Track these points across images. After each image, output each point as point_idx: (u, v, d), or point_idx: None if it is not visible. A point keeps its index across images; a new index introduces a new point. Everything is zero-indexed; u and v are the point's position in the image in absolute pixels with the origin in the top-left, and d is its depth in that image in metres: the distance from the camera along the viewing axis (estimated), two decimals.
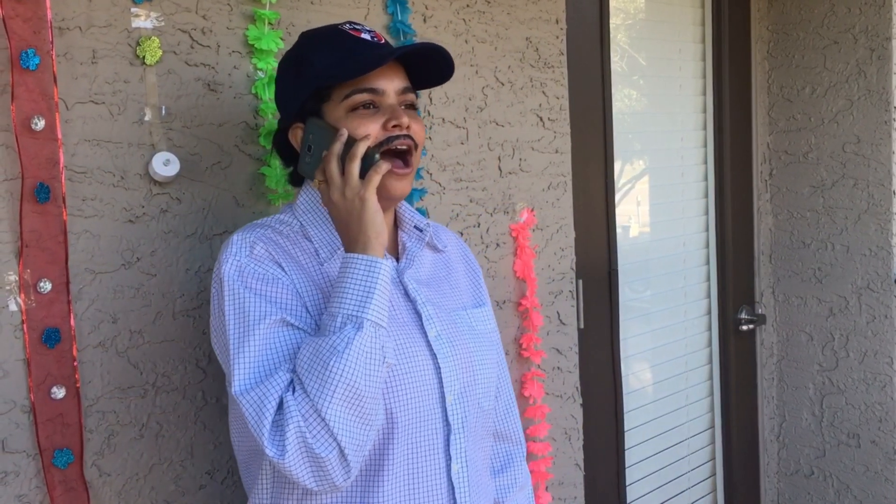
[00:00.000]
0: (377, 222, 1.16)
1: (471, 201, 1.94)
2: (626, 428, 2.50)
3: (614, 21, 2.45)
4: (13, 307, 1.31)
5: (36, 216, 1.32)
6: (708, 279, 2.85)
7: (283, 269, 1.19)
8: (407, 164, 1.25)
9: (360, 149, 1.18)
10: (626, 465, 2.52)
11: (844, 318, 2.79)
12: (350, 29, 1.27)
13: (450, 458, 1.24)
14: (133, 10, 1.41)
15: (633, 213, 2.64)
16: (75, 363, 1.36)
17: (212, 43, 1.50)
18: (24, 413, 1.33)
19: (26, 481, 1.33)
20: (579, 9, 2.28)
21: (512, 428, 1.49)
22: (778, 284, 2.96)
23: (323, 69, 1.23)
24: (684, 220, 2.76)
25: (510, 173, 2.02)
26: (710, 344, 2.87)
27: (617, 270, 2.43)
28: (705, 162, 2.81)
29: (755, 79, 2.90)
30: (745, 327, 2.89)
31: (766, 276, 2.97)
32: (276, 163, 1.56)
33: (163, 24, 1.44)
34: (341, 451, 1.08)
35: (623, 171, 2.56)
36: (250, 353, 1.12)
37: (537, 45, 2.06)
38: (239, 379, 1.11)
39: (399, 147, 1.23)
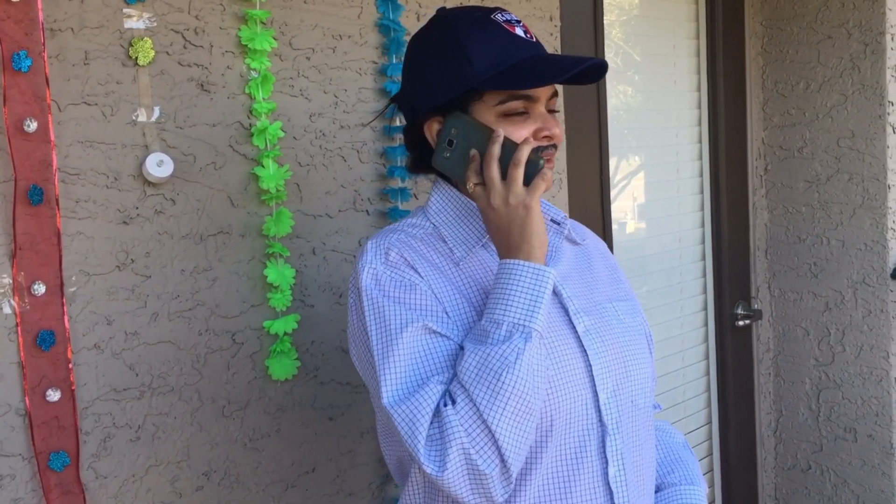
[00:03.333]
0: (541, 231, 1.11)
1: None
2: None
3: (608, 17, 2.45)
4: (7, 310, 1.31)
5: (29, 218, 1.31)
6: (704, 275, 2.85)
7: (419, 274, 1.15)
8: (549, 156, 1.20)
9: (525, 153, 1.11)
10: None
11: (840, 313, 2.80)
12: (504, 22, 1.18)
13: (606, 462, 1.17)
14: (125, 10, 1.41)
15: (628, 209, 2.64)
16: (70, 365, 1.35)
17: (205, 43, 1.50)
18: (20, 416, 1.32)
19: (22, 484, 1.33)
20: (573, 5, 2.27)
21: None
22: (774, 280, 2.96)
23: (483, 71, 1.15)
24: (680, 216, 2.76)
25: None
26: (706, 340, 2.87)
27: None
28: (700, 158, 2.81)
29: (749, 74, 2.90)
30: (741, 323, 2.89)
31: (761, 271, 2.97)
32: (270, 163, 1.55)
33: (155, 24, 1.44)
34: (505, 466, 1.04)
35: (618, 167, 2.56)
36: (397, 363, 1.08)
37: None
38: (388, 391, 1.06)
39: (546, 158, 1.18)
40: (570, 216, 2.19)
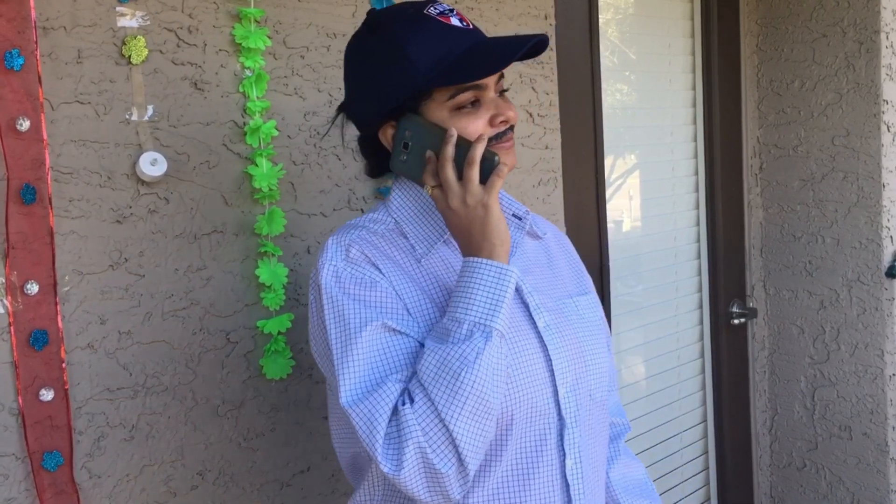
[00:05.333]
0: (502, 229, 1.11)
1: None
2: None
3: (604, 16, 2.45)
4: (0, 310, 1.30)
5: (22, 217, 1.31)
6: (699, 273, 2.85)
7: (380, 271, 1.14)
8: (508, 138, 1.19)
9: (479, 151, 1.10)
10: None
11: (835, 311, 2.80)
12: (438, 15, 1.16)
13: (564, 454, 1.18)
14: (118, 9, 1.40)
15: (624, 208, 2.64)
16: (63, 365, 1.35)
17: (198, 41, 1.49)
18: (13, 416, 1.32)
19: (15, 484, 1.32)
20: (568, 4, 2.27)
21: (613, 410, 1.43)
22: (769, 278, 2.96)
23: (427, 69, 1.13)
24: (675, 214, 2.77)
25: None
26: (701, 338, 2.88)
27: (608, 265, 2.43)
28: (696, 156, 2.81)
29: (744, 73, 2.90)
30: (736, 321, 2.90)
31: (756, 269, 2.98)
32: (264, 161, 1.55)
33: (148, 22, 1.43)
34: (462, 465, 1.04)
35: (614, 166, 2.56)
36: (355, 362, 1.08)
37: None
38: (346, 390, 1.06)
39: (504, 144, 1.17)
40: (566, 215, 2.20)
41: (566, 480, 1.18)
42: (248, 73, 1.55)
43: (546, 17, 2.10)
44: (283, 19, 1.60)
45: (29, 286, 1.32)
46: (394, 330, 1.10)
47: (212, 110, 1.51)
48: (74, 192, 1.37)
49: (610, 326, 2.43)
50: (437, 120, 1.16)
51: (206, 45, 1.50)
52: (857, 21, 2.65)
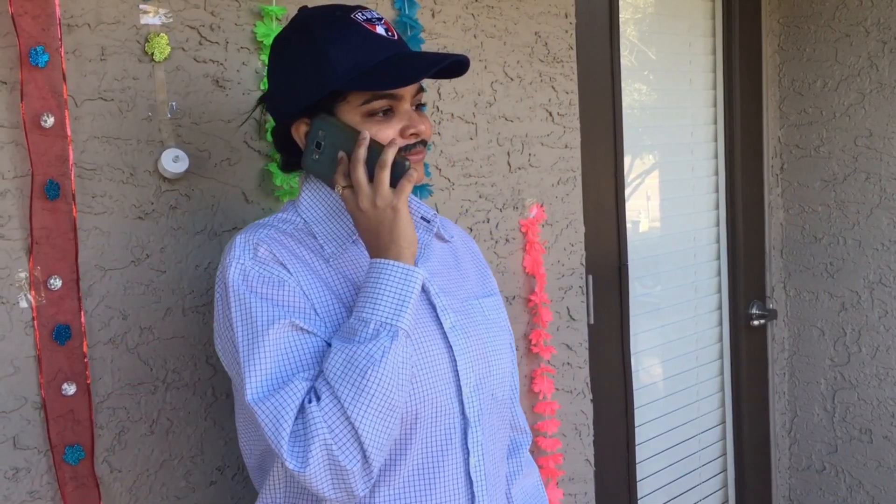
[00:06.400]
0: (409, 232, 1.13)
1: (480, 197, 1.93)
2: (636, 423, 2.50)
3: (624, 15, 2.44)
4: (24, 304, 1.32)
5: (46, 213, 1.32)
6: (719, 274, 2.84)
7: (287, 271, 1.16)
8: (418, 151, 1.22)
9: (391, 155, 1.13)
10: (637, 461, 2.51)
11: (856, 313, 2.78)
12: (364, 21, 1.19)
13: (468, 453, 1.21)
14: (141, 6, 1.41)
15: (643, 207, 2.63)
16: (86, 360, 1.36)
17: (220, 39, 1.50)
18: (36, 409, 1.33)
19: (38, 477, 1.34)
20: (588, 3, 2.26)
21: (516, 416, 1.46)
22: (789, 279, 2.94)
23: (345, 73, 1.16)
24: (695, 214, 2.75)
25: (519, 169, 2.02)
26: (720, 339, 2.86)
27: (627, 265, 2.42)
28: (716, 156, 2.79)
29: (766, 72, 2.89)
30: (756, 322, 2.88)
31: (777, 270, 2.96)
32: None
33: (171, 20, 1.44)
34: (366, 461, 1.07)
35: (633, 165, 2.55)
36: (262, 360, 1.09)
37: (546, 40, 2.05)
38: (251, 388, 1.08)
39: (413, 156, 1.20)
40: (584, 214, 2.19)
41: (470, 477, 1.21)
42: None
43: (566, 16, 2.10)
44: None
45: (52, 281, 1.33)
46: (301, 329, 1.12)
47: (233, 108, 1.52)
48: (97, 188, 1.38)
49: (628, 327, 2.43)
50: (349, 123, 1.18)
51: (227, 42, 1.51)
52: (880, 20, 2.62)
